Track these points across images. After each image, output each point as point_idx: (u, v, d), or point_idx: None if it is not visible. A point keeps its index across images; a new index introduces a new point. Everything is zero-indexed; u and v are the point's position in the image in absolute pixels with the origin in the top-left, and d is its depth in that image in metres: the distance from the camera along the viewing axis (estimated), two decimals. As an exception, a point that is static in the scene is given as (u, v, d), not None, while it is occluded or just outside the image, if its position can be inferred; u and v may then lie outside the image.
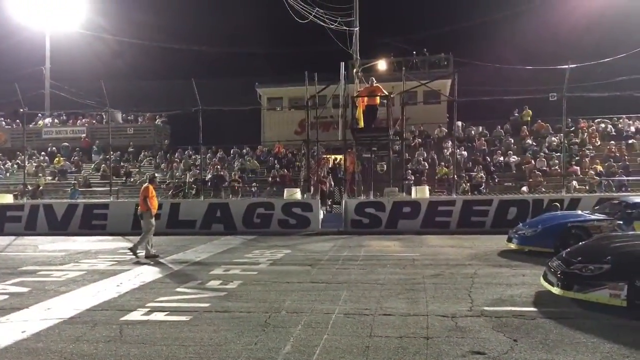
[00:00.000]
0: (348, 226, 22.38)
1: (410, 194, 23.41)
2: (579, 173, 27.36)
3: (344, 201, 23.55)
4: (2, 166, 36.50)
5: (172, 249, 17.40)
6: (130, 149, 37.36)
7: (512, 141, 32.11)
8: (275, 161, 33.27)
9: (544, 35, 49.32)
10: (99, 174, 34.09)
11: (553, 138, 31.12)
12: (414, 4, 70.64)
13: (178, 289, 10.79)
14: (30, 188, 29.81)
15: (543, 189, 25.62)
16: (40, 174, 34.13)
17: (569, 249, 9.98)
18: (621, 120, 32.47)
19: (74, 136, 39.64)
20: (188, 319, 8.39)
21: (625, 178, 26.47)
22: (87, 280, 12.02)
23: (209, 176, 30.74)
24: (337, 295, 9.91)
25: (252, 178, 31.87)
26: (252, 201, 24.17)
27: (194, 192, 29.41)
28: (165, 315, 8.70)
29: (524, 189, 26.07)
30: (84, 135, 39.33)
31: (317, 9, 28.62)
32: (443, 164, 29.92)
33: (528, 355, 6.56)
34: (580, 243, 10.78)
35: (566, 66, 22.43)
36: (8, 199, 26.21)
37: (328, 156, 33.88)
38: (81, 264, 14.54)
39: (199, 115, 24.97)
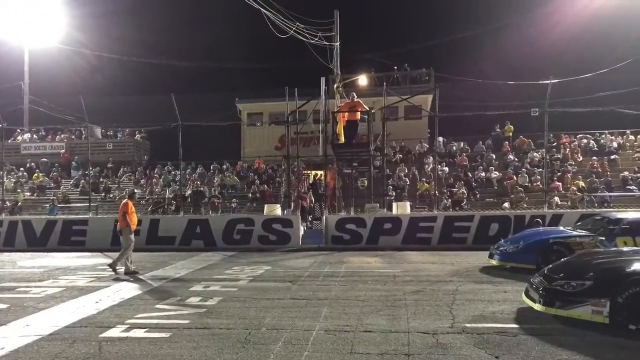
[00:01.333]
0: (329, 242, 22.30)
1: (391, 210, 23.36)
2: (561, 189, 27.48)
3: (324, 217, 23.53)
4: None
5: (152, 265, 17.24)
6: (110, 165, 37.14)
7: (494, 157, 32.21)
8: (256, 177, 33.14)
9: (525, 51, 49.63)
10: (78, 189, 33.80)
11: (535, 154, 31.22)
12: (395, 19, 71.11)
13: (157, 306, 10.68)
14: (8, 204, 29.55)
15: (525, 205, 25.59)
16: (18, 190, 33.80)
17: (551, 265, 9.99)
18: (603, 136, 32.67)
19: (52, 152, 39.32)
20: (168, 336, 8.30)
21: (607, 194, 26.67)
22: (66, 296, 11.88)
23: (189, 192, 30.53)
24: (317, 311, 9.84)
25: (232, 194, 31.71)
26: (232, 217, 24.05)
27: (173, 208, 29.24)
28: (145, 331, 8.61)
29: (506, 205, 26.14)
30: (63, 150, 39.06)
31: (297, 23, 28.61)
32: (424, 179, 29.94)
33: (511, 372, 6.54)
34: (563, 259, 10.80)
35: (548, 81, 22.49)
36: (-14, 215, 25.98)
37: (308, 172, 33.83)
38: (60, 280, 14.38)
39: (178, 130, 24.80)
